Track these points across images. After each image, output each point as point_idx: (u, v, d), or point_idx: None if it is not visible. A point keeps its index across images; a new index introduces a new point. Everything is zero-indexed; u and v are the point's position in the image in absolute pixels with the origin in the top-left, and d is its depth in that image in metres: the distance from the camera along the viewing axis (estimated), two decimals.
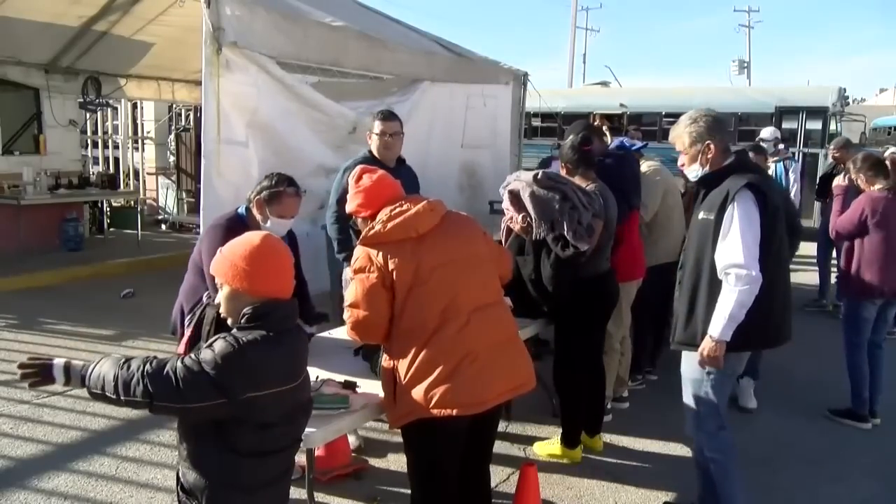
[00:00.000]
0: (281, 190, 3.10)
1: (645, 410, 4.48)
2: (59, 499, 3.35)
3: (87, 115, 10.15)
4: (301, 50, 4.67)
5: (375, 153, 4.07)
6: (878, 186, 4.33)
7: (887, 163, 4.45)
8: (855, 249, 4.32)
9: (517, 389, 2.59)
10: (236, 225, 3.00)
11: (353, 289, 2.46)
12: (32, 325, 5.99)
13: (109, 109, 10.90)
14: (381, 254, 2.41)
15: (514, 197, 3.56)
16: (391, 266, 2.40)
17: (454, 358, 2.39)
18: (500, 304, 2.64)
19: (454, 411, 2.37)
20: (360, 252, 2.46)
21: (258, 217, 3.13)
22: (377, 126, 4.06)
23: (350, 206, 2.60)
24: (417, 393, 2.39)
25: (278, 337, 1.87)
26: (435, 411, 2.37)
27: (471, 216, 2.74)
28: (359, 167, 2.65)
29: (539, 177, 3.49)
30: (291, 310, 1.97)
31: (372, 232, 2.43)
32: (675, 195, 4.90)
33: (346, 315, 2.49)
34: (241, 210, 3.22)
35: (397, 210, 2.46)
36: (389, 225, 2.42)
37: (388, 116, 4.11)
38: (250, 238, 1.96)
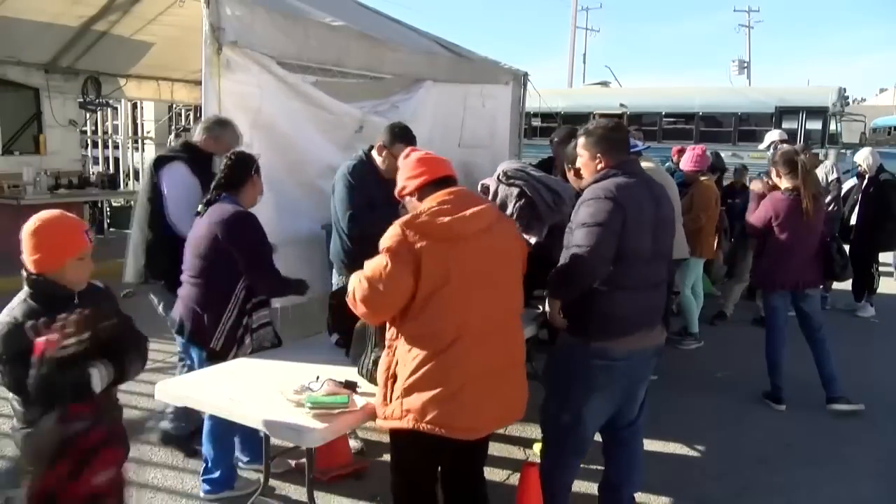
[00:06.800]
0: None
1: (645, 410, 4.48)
2: None
3: (87, 115, 10.15)
4: (302, 50, 4.66)
5: (379, 165, 3.86)
6: (784, 185, 4.60)
7: (799, 160, 4.58)
8: (766, 246, 4.70)
9: (508, 419, 2.59)
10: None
11: (378, 264, 2.31)
12: None
13: (109, 109, 10.92)
14: (419, 243, 2.27)
15: (486, 190, 3.77)
16: (424, 260, 2.27)
17: (458, 379, 2.31)
18: (514, 326, 2.54)
19: (444, 431, 2.32)
20: (397, 231, 2.30)
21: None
22: (402, 149, 3.65)
23: (399, 185, 2.53)
24: (413, 403, 2.32)
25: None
26: (426, 427, 2.31)
27: (516, 228, 2.71)
28: (408, 147, 2.68)
29: (500, 176, 3.65)
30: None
31: (419, 220, 2.30)
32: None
33: (357, 285, 2.37)
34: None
35: (448, 207, 2.33)
36: (439, 220, 2.29)
37: (413, 141, 3.80)
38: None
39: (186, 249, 3.27)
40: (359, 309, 2.41)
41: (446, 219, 2.30)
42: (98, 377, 2.07)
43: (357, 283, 2.38)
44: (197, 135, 3.85)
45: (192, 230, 3.27)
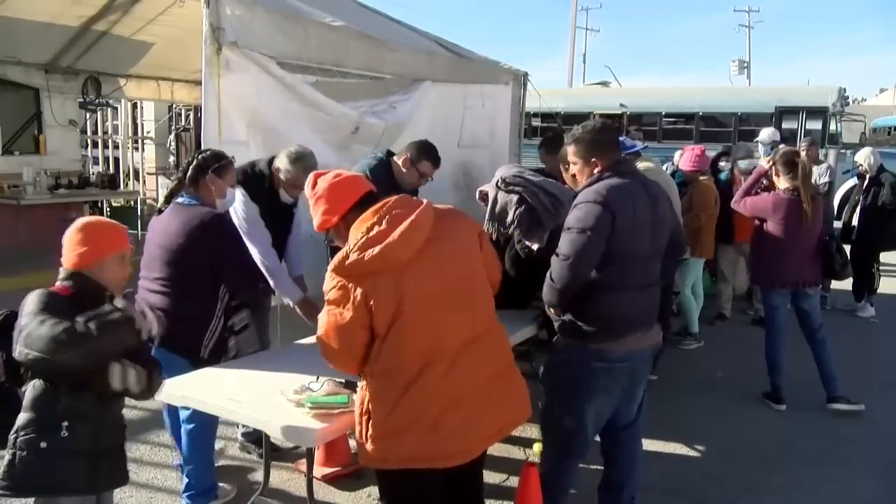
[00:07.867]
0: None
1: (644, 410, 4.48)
2: None
3: (87, 115, 10.15)
4: (302, 50, 4.66)
5: (403, 177, 3.99)
6: (783, 186, 4.59)
7: (799, 161, 4.59)
8: (762, 243, 4.70)
9: (508, 427, 2.40)
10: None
11: (324, 321, 2.17)
12: None
13: (109, 109, 10.91)
14: (358, 289, 2.09)
15: (484, 197, 3.81)
16: (371, 303, 2.09)
17: (437, 407, 2.13)
18: (491, 331, 2.33)
19: (436, 465, 2.16)
20: (333, 281, 2.13)
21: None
22: (427, 166, 4.01)
23: (316, 221, 2.27)
24: (394, 444, 2.14)
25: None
26: (413, 465, 2.15)
27: (462, 212, 2.45)
28: (311, 174, 2.35)
29: (499, 183, 3.67)
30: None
31: (348, 262, 2.09)
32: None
33: (317, 341, 2.24)
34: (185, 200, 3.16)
35: (375, 233, 2.10)
36: (368, 255, 2.06)
37: (437, 162, 4.06)
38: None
39: (151, 255, 3.10)
40: (329, 365, 2.27)
41: (377, 249, 2.07)
42: (120, 374, 2.09)
43: (317, 340, 2.26)
44: (276, 160, 3.71)
45: (156, 234, 3.13)
